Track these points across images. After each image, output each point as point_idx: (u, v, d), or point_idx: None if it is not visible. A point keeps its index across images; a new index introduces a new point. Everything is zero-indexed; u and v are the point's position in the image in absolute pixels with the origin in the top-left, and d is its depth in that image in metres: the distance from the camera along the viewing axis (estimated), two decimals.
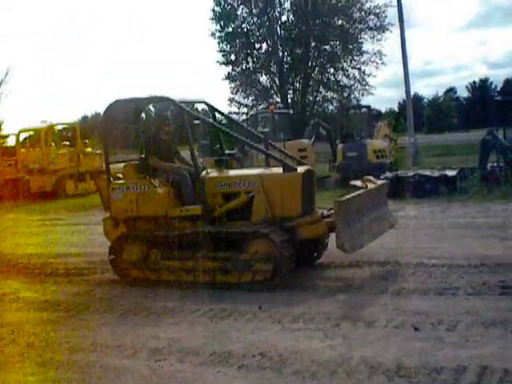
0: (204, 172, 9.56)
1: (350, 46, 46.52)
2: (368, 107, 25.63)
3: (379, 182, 10.20)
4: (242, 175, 9.63)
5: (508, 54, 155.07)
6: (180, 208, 9.39)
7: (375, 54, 46.01)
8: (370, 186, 9.62)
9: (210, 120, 10.80)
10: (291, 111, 36.03)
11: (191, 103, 10.80)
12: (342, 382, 5.37)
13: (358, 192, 9.22)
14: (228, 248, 8.88)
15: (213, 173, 9.67)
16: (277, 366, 5.84)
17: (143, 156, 10.18)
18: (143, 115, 10.00)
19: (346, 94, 46.18)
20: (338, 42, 47.02)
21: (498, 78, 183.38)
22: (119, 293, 9.25)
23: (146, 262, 9.42)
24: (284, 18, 47.53)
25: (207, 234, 8.99)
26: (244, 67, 47.20)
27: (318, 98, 47.56)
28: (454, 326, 6.47)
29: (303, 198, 8.96)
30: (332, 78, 47.40)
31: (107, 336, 7.27)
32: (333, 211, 8.93)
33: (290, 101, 46.09)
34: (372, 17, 45.78)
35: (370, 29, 46.04)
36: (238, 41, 46.56)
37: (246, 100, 47.18)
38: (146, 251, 9.46)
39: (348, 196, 8.90)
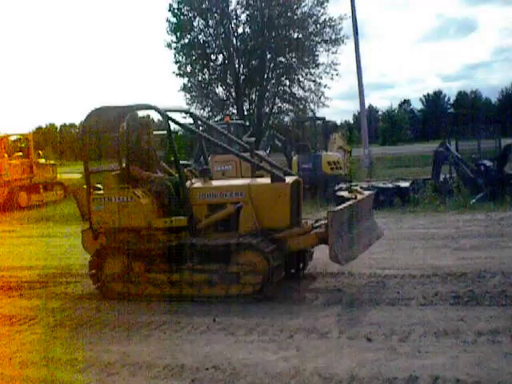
0: (188, 182, 9.39)
1: (306, 59, 46.86)
2: (323, 119, 25.78)
3: (366, 193, 10.07)
4: (229, 185, 9.41)
5: (461, 67, 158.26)
6: (164, 219, 9.12)
7: (330, 66, 46.47)
8: (359, 196, 9.52)
9: (194, 129, 10.62)
10: (247, 123, 36.15)
11: (175, 112, 10.32)
12: None
13: (349, 202, 9.08)
14: (214, 260, 8.66)
15: (197, 183, 9.52)
16: (230, 378, 5.82)
17: (124, 166, 9.79)
18: (124, 124, 9.60)
19: (301, 106, 46.46)
20: (293, 55, 47.33)
21: (451, 90, 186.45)
22: (71, 306, 9.11)
23: (129, 276, 9.15)
24: (240, 30, 47.74)
25: (194, 245, 8.77)
26: (200, 78, 47.19)
27: (273, 110, 47.80)
28: (406, 337, 6.53)
29: (291, 208, 8.85)
30: (288, 90, 47.71)
31: (59, 350, 7.15)
32: (322, 222, 8.87)
33: (245, 112, 46.20)
34: (327, 29, 46.22)
35: (326, 41, 46.49)
36: (194, 52, 46.51)
37: (201, 111, 47.15)
38: (128, 264, 9.18)
39: (340, 206, 8.76)
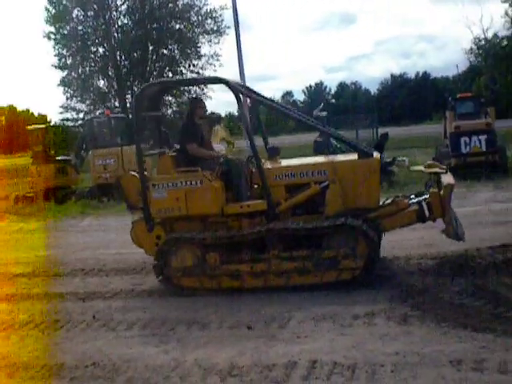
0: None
1: (188, 50, 46.88)
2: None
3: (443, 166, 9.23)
4: (310, 164, 8.56)
5: (343, 59, 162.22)
6: (240, 204, 8.22)
7: (213, 57, 46.67)
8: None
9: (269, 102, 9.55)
10: (130, 115, 35.63)
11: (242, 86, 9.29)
12: None
13: (449, 175, 8.42)
14: (305, 246, 7.89)
15: (266, 164, 8.63)
16: (110, 375, 5.75)
17: (178, 146, 8.94)
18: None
19: (184, 98, 46.35)
20: (176, 46, 47.24)
21: (333, 81, 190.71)
22: None
23: (202, 268, 8.14)
24: (121, 22, 47.17)
25: (289, 230, 7.90)
26: (80, 71, 46.25)
27: None
28: (285, 323, 6.66)
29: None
30: None
31: None
32: (418, 198, 8.41)
33: (128, 105, 45.64)
34: (209, 21, 46.40)
35: (208, 32, 46.62)
36: (73, 44, 45.49)
37: (82, 105, 46.34)
38: (200, 256, 8.17)
39: (450, 180, 8.13)
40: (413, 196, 8.68)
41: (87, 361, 6.13)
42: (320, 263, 7.77)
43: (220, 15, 45.64)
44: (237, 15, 25.63)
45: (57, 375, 5.90)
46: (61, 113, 46.84)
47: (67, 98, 46.04)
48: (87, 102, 46.51)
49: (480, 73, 59.70)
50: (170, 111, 47.04)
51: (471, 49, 62.34)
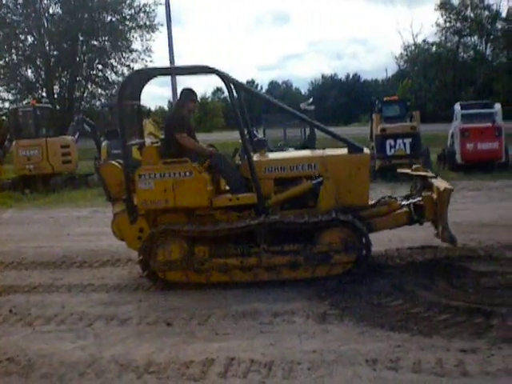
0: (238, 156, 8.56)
1: (119, 43, 46.44)
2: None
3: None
4: (300, 157, 8.52)
5: (276, 58, 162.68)
6: (229, 196, 8.08)
7: (145, 52, 46.40)
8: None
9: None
10: (57, 106, 35.12)
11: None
12: (91, 383, 5.29)
13: (440, 180, 8.49)
14: (295, 240, 7.77)
15: (254, 156, 8.37)
16: (24, 370, 5.63)
17: (164, 137, 8.74)
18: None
19: (113, 91, 45.86)
20: (106, 38, 46.72)
21: (264, 80, 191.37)
22: None
23: (190, 262, 7.88)
24: (52, 11, 46.35)
25: (277, 224, 7.74)
26: (7, 60, 45.24)
27: (85, 94, 46.88)
28: (205, 320, 6.65)
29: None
30: (100, 74, 47.05)
31: None
32: (409, 200, 8.41)
33: (56, 96, 44.92)
34: (142, 15, 46.09)
35: (140, 27, 46.32)
36: (1, 31, 44.44)
37: (8, 94, 45.36)
38: (188, 249, 7.89)
39: (443, 181, 8.23)
40: (400, 198, 8.76)
41: (2, 356, 5.99)
42: (312, 258, 7.73)
43: (153, 10, 45.42)
44: (169, 10, 25.59)
45: None
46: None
47: None
48: (13, 91, 45.57)
49: (409, 77, 60.93)
50: (98, 103, 46.48)
51: (401, 54, 63.77)
